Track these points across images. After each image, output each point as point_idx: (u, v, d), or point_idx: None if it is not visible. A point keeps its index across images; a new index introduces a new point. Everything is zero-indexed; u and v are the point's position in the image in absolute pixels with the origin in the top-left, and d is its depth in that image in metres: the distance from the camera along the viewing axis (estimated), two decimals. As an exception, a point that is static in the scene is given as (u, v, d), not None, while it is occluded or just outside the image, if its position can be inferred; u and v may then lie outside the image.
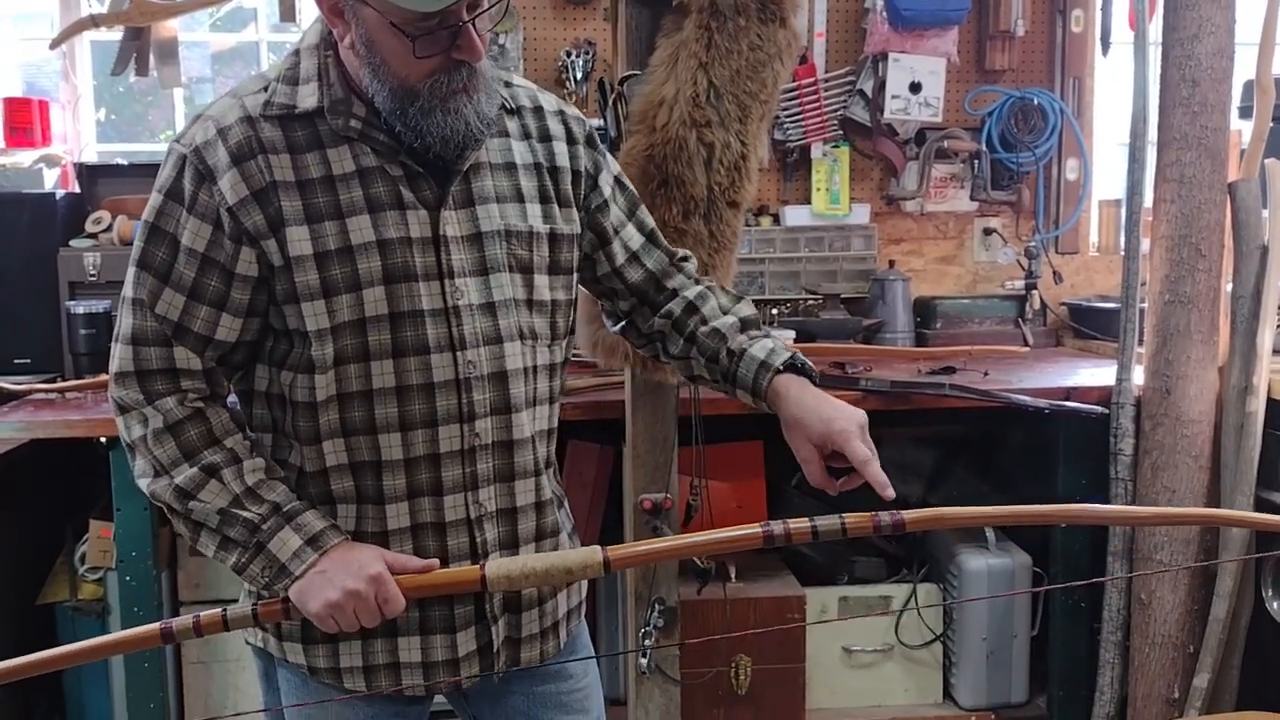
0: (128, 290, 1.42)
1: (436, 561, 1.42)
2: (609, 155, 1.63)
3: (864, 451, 1.40)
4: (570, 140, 1.57)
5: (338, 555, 1.38)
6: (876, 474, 1.39)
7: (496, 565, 1.38)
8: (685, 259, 1.68)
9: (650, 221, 1.66)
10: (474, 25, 1.33)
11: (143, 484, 1.43)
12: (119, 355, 1.42)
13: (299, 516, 1.40)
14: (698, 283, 1.65)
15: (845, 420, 1.43)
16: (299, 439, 1.45)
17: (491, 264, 1.45)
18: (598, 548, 1.37)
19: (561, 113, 1.58)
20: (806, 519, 1.35)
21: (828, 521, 1.34)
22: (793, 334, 3.17)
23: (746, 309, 1.61)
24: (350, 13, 1.35)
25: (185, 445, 1.40)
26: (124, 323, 1.42)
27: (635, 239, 1.63)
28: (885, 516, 1.32)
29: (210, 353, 1.42)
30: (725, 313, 1.60)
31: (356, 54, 1.38)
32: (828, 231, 3.42)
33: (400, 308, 1.40)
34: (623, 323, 1.69)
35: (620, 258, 1.61)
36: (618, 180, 1.63)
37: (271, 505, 1.39)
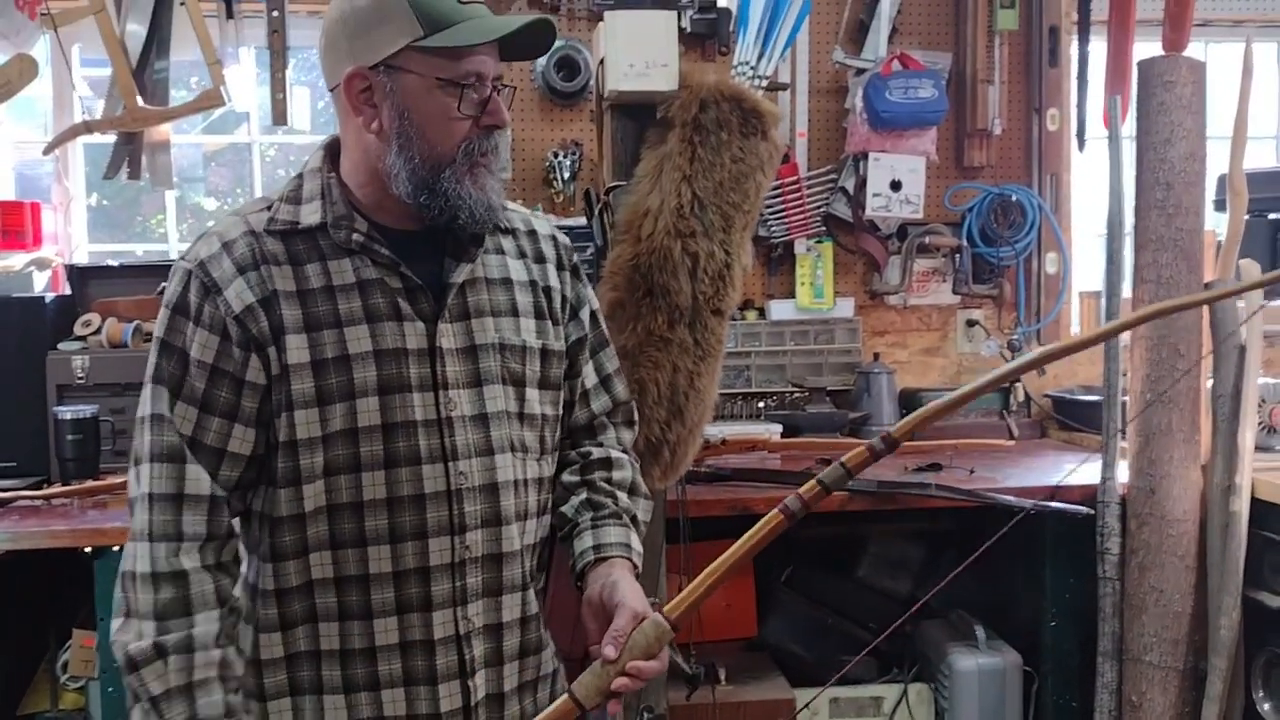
0: (145, 408, 1.41)
1: None
2: (590, 289, 1.67)
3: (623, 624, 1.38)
4: (560, 266, 1.62)
5: None
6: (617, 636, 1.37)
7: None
8: (629, 416, 1.71)
9: (610, 366, 1.68)
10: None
11: (115, 623, 1.39)
12: (140, 475, 1.39)
13: None
14: (625, 451, 1.67)
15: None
16: (283, 556, 1.43)
17: (485, 376, 1.47)
18: (657, 615, 1.36)
19: (554, 238, 1.64)
20: (814, 479, 1.31)
21: (831, 472, 1.31)
22: (780, 428, 3.18)
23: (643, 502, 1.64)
24: (382, 90, 1.40)
25: (158, 606, 1.36)
26: (144, 440, 1.40)
27: (591, 378, 1.65)
28: (878, 441, 1.31)
29: (225, 471, 1.40)
30: (629, 490, 1.62)
31: (382, 137, 1.42)
32: (813, 325, 3.45)
33: (394, 418, 1.41)
34: None
35: (575, 393, 1.63)
36: (594, 315, 1.66)
37: None
